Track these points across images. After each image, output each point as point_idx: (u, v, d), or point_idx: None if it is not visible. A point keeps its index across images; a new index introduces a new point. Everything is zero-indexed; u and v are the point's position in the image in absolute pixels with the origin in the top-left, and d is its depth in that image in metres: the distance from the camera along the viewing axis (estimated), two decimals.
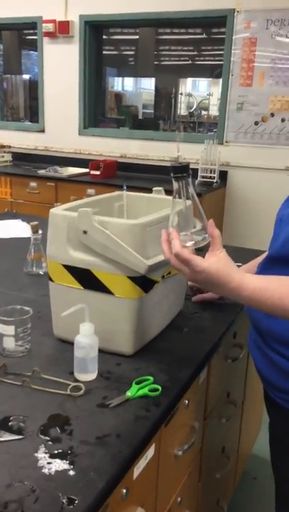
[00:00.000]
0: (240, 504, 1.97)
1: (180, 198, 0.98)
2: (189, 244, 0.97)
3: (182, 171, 0.97)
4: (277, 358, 1.10)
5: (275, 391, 1.14)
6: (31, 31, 4.54)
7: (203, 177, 3.84)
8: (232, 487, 1.86)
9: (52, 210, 1.13)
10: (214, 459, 1.52)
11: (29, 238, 1.65)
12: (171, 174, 0.97)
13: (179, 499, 1.22)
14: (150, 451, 0.97)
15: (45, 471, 0.78)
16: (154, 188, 1.41)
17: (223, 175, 3.94)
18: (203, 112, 6.52)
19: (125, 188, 1.38)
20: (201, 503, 1.44)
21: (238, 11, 3.72)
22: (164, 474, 1.08)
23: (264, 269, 1.16)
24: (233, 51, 3.80)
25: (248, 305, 1.00)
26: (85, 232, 1.07)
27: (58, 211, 1.12)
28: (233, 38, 3.78)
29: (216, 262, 0.94)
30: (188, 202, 0.99)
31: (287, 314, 0.93)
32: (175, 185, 0.98)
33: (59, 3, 4.27)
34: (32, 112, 5.37)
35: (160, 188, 1.41)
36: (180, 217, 0.99)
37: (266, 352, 1.14)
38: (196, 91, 8.14)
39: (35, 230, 1.63)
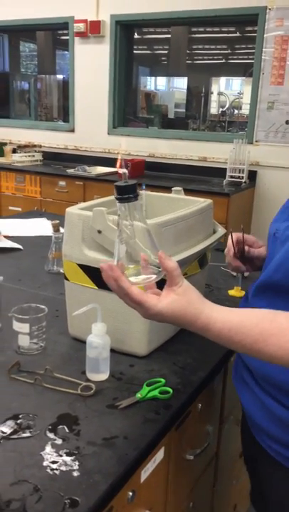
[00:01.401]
0: None
1: (126, 223, 0.81)
2: (140, 279, 0.81)
3: (128, 191, 0.79)
4: (273, 404, 0.92)
5: (267, 438, 0.96)
6: (65, 31, 4.58)
7: (231, 177, 3.80)
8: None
9: (68, 209, 1.13)
10: (231, 464, 1.50)
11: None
12: (115, 196, 0.80)
13: (191, 504, 1.20)
14: (159, 455, 0.96)
15: (50, 470, 0.78)
16: (173, 188, 1.39)
17: (252, 175, 3.89)
18: (236, 111, 6.45)
19: (144, 187, 1.38)
20: (216, 509, 1.42)
21: (269, 9, 3.66)
22: (174, 478, 1.07)
23: (254, 298, 0.99)
24: (264, 49, 3.74)
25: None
26: (99, 231, 1.06)
27: (73, 210, 1.12)
28: (265, 36, 3.72)
29: (174, 302, 0.78)
30: (138, 227, 0.81)
31: (262, 358, 0.77)
32: (120, 208, 0.80)
33: (91, 3, 4.30)
34: (65, 112, 5.43)
35: (180, 188, 1.39)
36: (129, 247, 0.81)
37: (257, 393, 0.97)
38: (230, 90, 8.06)
39: (56, 229, 1.64)
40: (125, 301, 0.82)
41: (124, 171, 0.83)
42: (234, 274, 1.65)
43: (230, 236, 1.21)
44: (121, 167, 0.85)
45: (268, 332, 0.75)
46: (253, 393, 0.98)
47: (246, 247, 1.19)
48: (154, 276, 0.81)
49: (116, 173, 4.07)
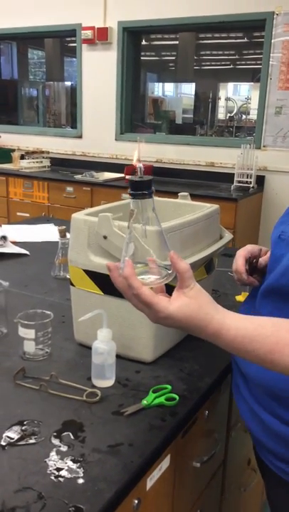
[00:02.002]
0: None
1: (138, 221, 0.77)
2: (150, 280, 0.77)
3: (143, 187, 0.75)
4: (271, 420, 0.90)
5: (270, 456, 0.94)
6: (73, 38, 4.62)
7: (239, 182, 3.79)
8: (260, 501, 1.81)
9: (73, 215, 1.13)
10: (239, 471, 1.48)
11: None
12: (129, 191, 0.76)
13: (199, 511, 1.19)
14: (165, 462, 0.95)
15: (54, 478, 0.78)
16: (179, 194, 1.39)
17: (260, 180, 3.88)
18: (244, 117, 6.45)
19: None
20: None
21: (277, 14, 3.66)
22: (181, 486, 1.05)
23: (260, 301, 0.97)
24: (272, 54, 3.74)
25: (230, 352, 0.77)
26: (105, 237, 1.06)
27: (79, 216, 1.12)
28: (273, 41, 3.72)
29: (186, 305, 0.73)
30: (150, 227, 0.78)
31: (277, 370, 0.73)
32: (133, 205, 0.76)
33: (98, 10, 4.33)
34: (73, 118, 5.46)
35: (186, 194, 1.39)
36: (139, 245, 0.77)
37: (255, 409, 0.94)
38: (238, 95, 8.06)
39: (62, 235, 1.64)
40: (133, 302, 0.77)
41: (140, 165, 0.77)
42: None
43: (237, 259, 1.13)
44: (139, 162, 0.78)
45: (284, 341, 0.71)
46: (248, 405, 0.96)
47: (256, 262, 1.13)
48: (165, 278, 0.77)
49: (123, 178, 4.09)
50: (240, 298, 1.54)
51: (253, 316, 0.77)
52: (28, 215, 4.25)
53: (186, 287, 0.75)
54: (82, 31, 4.42)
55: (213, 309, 0.75)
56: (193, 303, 0.74)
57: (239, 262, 1.10)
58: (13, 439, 0.86)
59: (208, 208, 1.26)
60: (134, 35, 4.47)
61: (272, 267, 0.95)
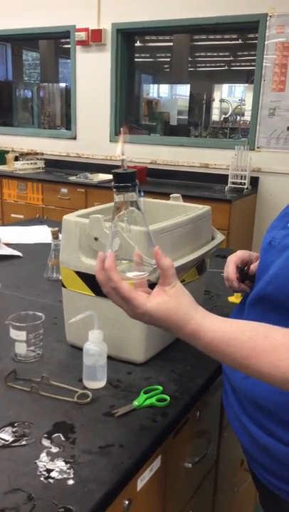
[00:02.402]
0: None
1: (123, 215, 0.76)
2: (131, 275, 0.76)
3: (126, 180, 0.74)
4: (258, 433, 0.88)
5: (260, 469, 0.93)
6: (67, 40, 4.62)
7: (233, 183, 3.80)
8: (253, 501, 1.81)
9: (65, 217, 1.13)
10: (232, 471, 1.49)
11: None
12: (112, 184, 0.75)
13: (191, 511, 1.19)
14: (156, 463, 0.95)
15: (44, 479, 0.78)
16: (171, 195, 1.39)
17: (254, 181, 3.89)
18: (238, 118, 6.48)
19: (142, 194, 1.38)
20: None
21: (270, 16, 3.67)
22: (172, 486, 1.06)
23: (248, 310, 0.95)
24: (265, 56, 3.75)
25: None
26: (96, 238, 1.06)
27: (70, 217, 1.13)
28: (266, 43, 3.73)
29: (164, 303, 0.72)
30: (134, 225, 0.77)
31: (252, 375, 0.72)
32: (117, 198, 0.75)
33: (92, 11, 4.33)
34: (68, 120, 5.47)
35: (178, 195, 1.39)
36: (122, 240, 0.76)
37: (242, 420, 0.93)
38: (233, 96, 8.10)
39: (55, 236, 1.64)
40: (112, 296, 0.76)
41: (123, 157, 0.77)
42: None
43: (228, 266, 1.11)
44: (122, 154, 0.77)
45: (260, 347, 0.70)
46: (236, 415, 0.95)
47: (247, 268, 1.12)
48: (147, 273, 0.76)
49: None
50: (233, 299, 1.54)
51: (232, 320, 0.77)
52: (22, 216, 4.24)
53: (167, 285, 0.74)
54: (76, 33, 4.42)
55: (193, 310, 0.74)
56: (172, 301, 0.73)
57: (230, 269, 1.09)
58: (7, 441, 0.86)
59: (199, 209, 1.27)
60: (127, 37, 4.47)
61: (260, 274, 0.93)
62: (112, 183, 0.75)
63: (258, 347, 0.70)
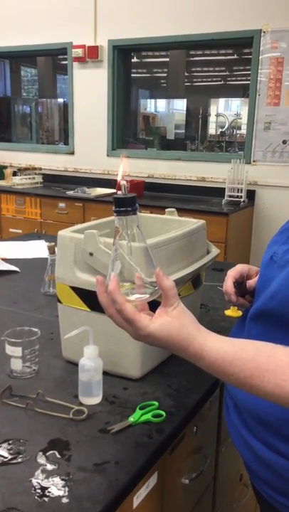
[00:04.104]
0: None
1: (124, 238, 0.78)
2: (133, 298, 0.77)
3: (127, 204, 0.77)
4: (261, 448, 0.88)
5: (262, 483, 0.91)
6: (65, 56, 4.67)
7: (230, 196, 3.82)
8: None
9: (60, 232, 1.14)
10: (230, 487, 1.47)
11: None
12: (113, 208, 0.77)
13: None
14: (152, 479, 0.94)
15: (39, 497, 0.77)
16: (166, 210, 1.40)
17: (251, 194, 3.91)
18: (235, 132, 6.52)
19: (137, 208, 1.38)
20: None
21: (264, 31, 3.72)
22: (169, 503, 1.05)
23: (250, 325, 0.95)
24: (260, 71, 3.80)
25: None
26: (91, 253, 1.07)
27: (65, 233, 1.13)
28: (260, 57, 3.78)
29: (167, 324, 0.73)
30: (136, 244, 0.79)
31: (257, 395, 0.72)
32: (117, 222, 0.78)
33: (88, 28, 4.39)
34: (66, 135, 5.51)
35: (173, 209, 1.40)
36: (125, 263, 0.78)
37: (244, 435, 0.92)
38: (229, 110, 8.17)
39: (52, 251, 1.64)
40: (115, 318, 0.77)
41: (124, 182, 0.80)
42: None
43: (227, 281, 1.10)
44: (123, 179, 0.81)
45: (264, 367, 0.70)
46: (238, 431, 0.94)
47: (246, 285, 1.11)
48: (148, 295, 0.77)
49: (115, 194, 4.10)
50: (230, 312, 1.53)
51: (235, 339, 0.77)
52: (20, 231, 4.25)
53: (169, 306, 0.75)
54: (73, 49, 4.47)
55: (195, 330, 0.75)
56: (175, 322, 0.74)
57: (228, 283, 1.09)
58: (3, 458, 0.85)
59: (194, 223, 1.27)
60: (124, 53, 4.53)
61: (261, 288, 0.93)
62: (113, 207, 0.77)
63: (261, 366, 0.70)
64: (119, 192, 0.80)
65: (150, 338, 0.74)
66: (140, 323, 0.74)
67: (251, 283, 1.11)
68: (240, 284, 1.10)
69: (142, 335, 0.75)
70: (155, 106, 8.56)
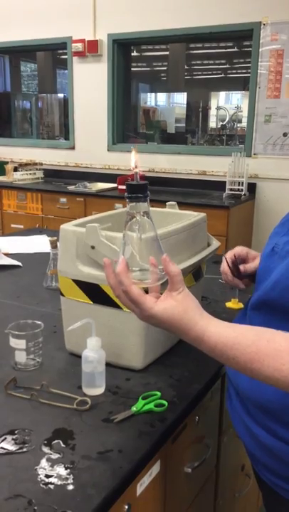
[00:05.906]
0: None
1: (134, 224, 0.80)
2: (138, 280, 0.80)
3: (138, 191, 0.79)
4: (263, 434, 0.90)
5: (264, 470, 0.94)
6: (65, 51, 4.67)
7: (231, 189, 3.83)
8: (255, 506, 1.82)
9: (62, 226, 1.15)
10: (232, 477, 1.49)
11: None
12: (126, 194, 0.80)
13: None
14: (155, 468, 0.96)
15: (44, 485, 0.79)
16: (167, 203, 1.41)
17: (252, 187, 3.91)
18: (236, 125, 6.51)
19: None
20: None
21: (264, 24, 3.71)
22: (172, 491, 1.07)
23: (251, 314, 0.97)
24: (260, 63, 3.80)
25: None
26: (92, 247, 1.08)
27: (67, 226, 1.14)
28: (260, 50, 3.77)
29: (171, 308, 0.77)
30: (145, 231, 0.81)
31: (257, 378, 0.74)
32: (129, 208, 0.80)
33: (88, 23, 4.38)
34: (67, 130, 5.52)
35: (174, 203, 1.41)
36: (134, 248, 0.80)
37: (246, 422, 0.94)
38: (230, 104, 8.15)
39: (54, 245, 1.65)
40: (122, 299, 0.81)
41: (137, 170, 0.82)
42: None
43: (224, 260, 1.19)
44: (136, 167, 0.82)
45: (263, 352, 0.72)
46: (240, 418, 0.96)
47: (241, 267, 1.16)
48: (157, 280, 0.80)
49: (116, 188, 4.12)
50: (231, 304, 1.55)
51: (236, 325, 0.79)
52: (22, 226, 4.26)
53: (175, 290, 0.78)
54: (73, 44, 4.47)
55: (198, 315, 0.77)
56: (178, 306, 0.77)
57: (224, 262, 1.18)
58: (12, 450, 0.87)
59: (194, 216, 1.28)
60: (124, 47, 4.52)
61: (261, 278, 0.95)
62: (126, 193, 0.80)
63: (261, 351, 0.72)
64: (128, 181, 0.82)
65: (153, 319, 0.78)
66: (145, 304, 0.77)
67: (247, 267, 1.16)
68: (235, 265, 1.16)
69: (146, 315, 0.78)
70: (155, 100, 8.55)
